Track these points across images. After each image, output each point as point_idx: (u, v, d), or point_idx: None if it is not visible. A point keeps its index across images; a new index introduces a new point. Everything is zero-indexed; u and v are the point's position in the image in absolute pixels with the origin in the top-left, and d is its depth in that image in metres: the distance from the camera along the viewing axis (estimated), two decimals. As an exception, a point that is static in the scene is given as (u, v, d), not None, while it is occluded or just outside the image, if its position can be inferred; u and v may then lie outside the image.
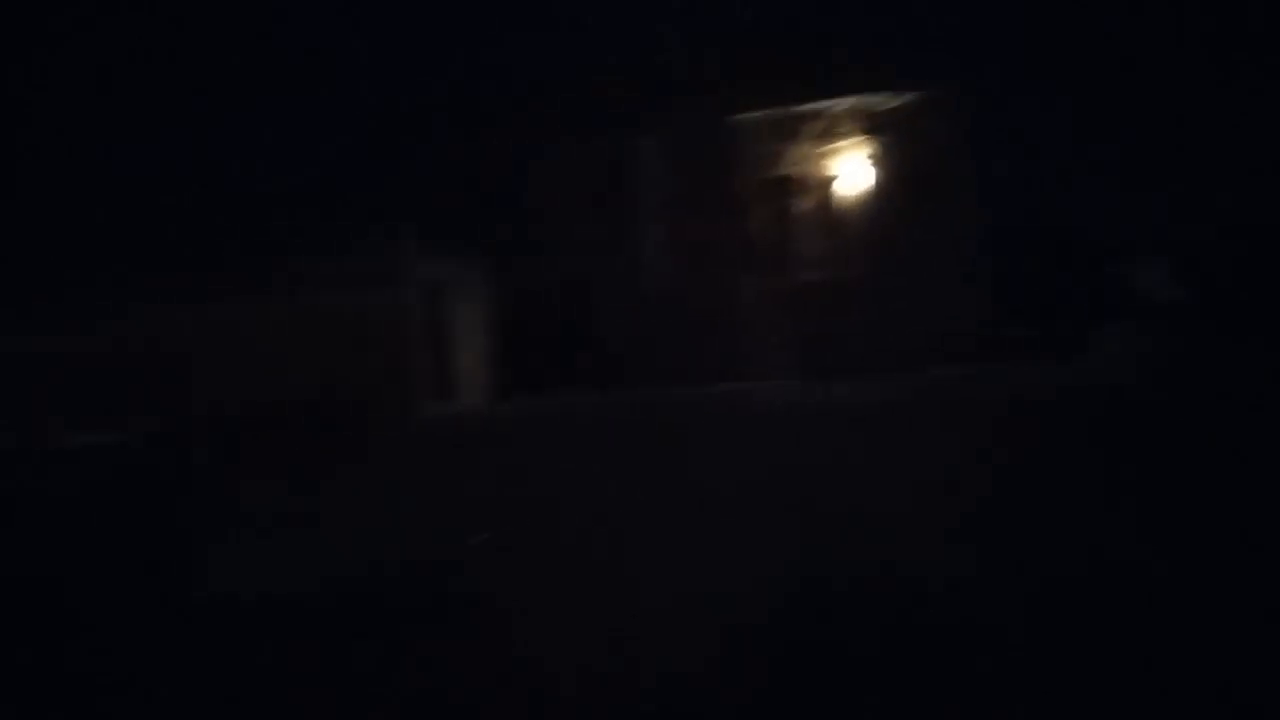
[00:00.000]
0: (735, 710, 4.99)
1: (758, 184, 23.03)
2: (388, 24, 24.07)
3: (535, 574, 7.93)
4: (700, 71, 22.70)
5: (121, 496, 9.09)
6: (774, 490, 10.28)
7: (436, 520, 10.45)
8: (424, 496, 11.93)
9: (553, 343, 22.65)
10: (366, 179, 21.27)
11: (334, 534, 10.00)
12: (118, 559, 7.97)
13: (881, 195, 22.54)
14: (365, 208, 20.03)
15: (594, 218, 23.24)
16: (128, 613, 7.35)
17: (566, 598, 7.15)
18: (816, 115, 22.61)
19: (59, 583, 7.61)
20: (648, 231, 23.33)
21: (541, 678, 5.68)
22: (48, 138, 21.04)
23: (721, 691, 5.21)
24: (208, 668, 6.26)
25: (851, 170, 22.71)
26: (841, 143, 22.64)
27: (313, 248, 18.42)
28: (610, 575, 7.70)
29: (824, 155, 22.75)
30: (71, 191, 19.90)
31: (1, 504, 9.01)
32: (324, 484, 13.04)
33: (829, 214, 22.81)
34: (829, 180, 22.80)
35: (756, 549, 8.00)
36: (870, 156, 22.58)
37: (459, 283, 20.96)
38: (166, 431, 13.31)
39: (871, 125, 22.52)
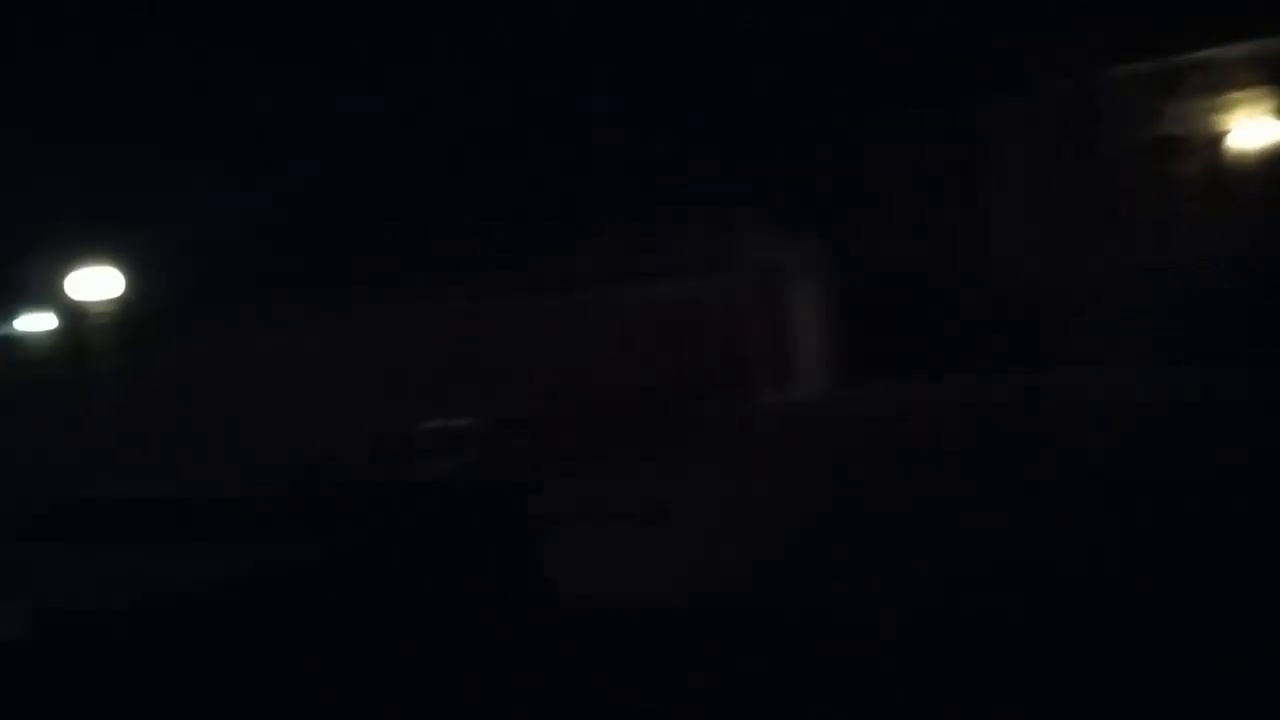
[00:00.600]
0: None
1: (1133, 149, 20.39)
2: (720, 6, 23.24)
3: (885, 578, 7.37)
4: (1064, 20, 20.32)
5: (464, 491, 9.00)
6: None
7: (775, 517, 9.90)
8: (762, 491, 11.40)
9: (896, 328, 21.20)
10: (697, 160, 20.72)
11: (673, 533, 9.73)
12: (468, 558, 7.75)
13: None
14: (697, 190, 19.51)
15: (943, 193, 21.49)
16: (478, 612, 7.16)
17: (923, 603, 6.58)
18: (1208, 65, 19.68)
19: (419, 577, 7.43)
20: (1003, 206, 21.31)
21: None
22: (394, 141, 21.96)
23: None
24: (552, 675, 6.00)
25: (1250, 129, 19.57)
26: (1239, 97, 19.56)
27: (645, 233, 18.17)
28: (979, 574, 7.18)
29: (1217, 112, 19.77)
30: (408, 190, 20.64)
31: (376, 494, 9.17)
32: (661, 478, 12.78)
33: (1220, 181, 19.83)
34: (1222, 142, 19.81)
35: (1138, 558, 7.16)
36: (1275, 112, 19.39)
37: (795, 266, 20.19)
38: (503, 423, 13.38)
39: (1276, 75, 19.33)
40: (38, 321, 20.24)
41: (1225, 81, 19.61)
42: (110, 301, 17.98)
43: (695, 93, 21.82)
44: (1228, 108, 19.65)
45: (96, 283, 17.82)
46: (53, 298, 19.26)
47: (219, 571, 7.12)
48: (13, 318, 20.14)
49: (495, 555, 8.07)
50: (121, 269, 17.94)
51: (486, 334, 18.00)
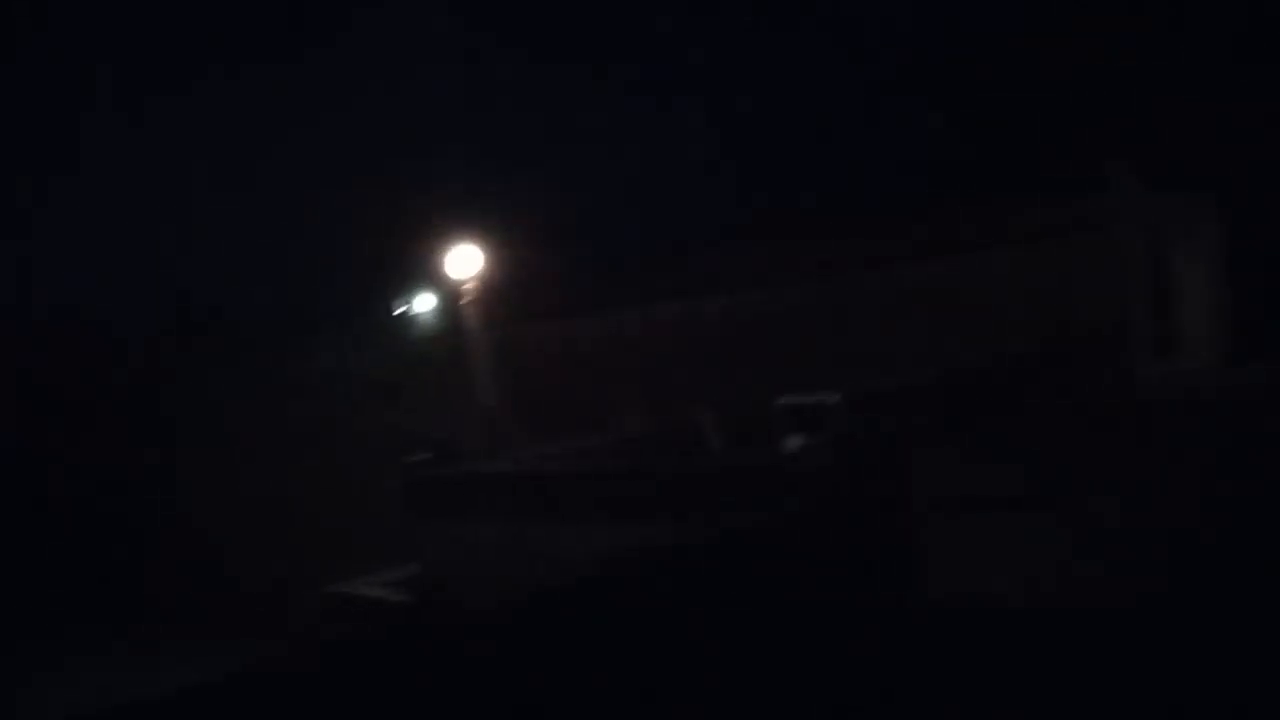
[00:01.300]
0: None
1: None
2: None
3: None
4: None
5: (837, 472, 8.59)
6: None
7: (1163, 503, 9.00)
8: (1146, 474, 10.21)
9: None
10: (1072, 115, 19.04)
11: (1056, 520, 8.87)
12: (840, 545, 7.32)
13: None
14: (1074, 142, 17.96)
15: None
16: (854, 603, 6.75)
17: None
18: None
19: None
20: None
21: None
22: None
23: None
24: (928, 675, 5.43)
25: None
26: None
27: (1017, 196, 16.93)
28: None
29: None
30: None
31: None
32: (1038, 459, 11.75)
33: None
34: None
35: None
36: None
37: (1186, 224, 18.19)
38: (867, 398, 12.81)
39: None
40: (422, 302, 21.77)
41: None
42: (481, 280, 18.96)
43: (1067, 47, 20.08)
44: None
45: (469, 263, 18.84)
46: (433, 279, 20.63)
47: (586, 546, 7.08)
48: (401, 299, 21.77)
49: (870, 543, 7.58)
50: (492, 250, 18.87)
51: (848, 306, 17.41)
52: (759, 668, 6.06)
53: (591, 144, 22.53)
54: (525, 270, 20.33)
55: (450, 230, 19.65)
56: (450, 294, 20.48)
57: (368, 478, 14.04)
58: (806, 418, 12.41)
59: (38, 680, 8.30)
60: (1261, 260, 19.12)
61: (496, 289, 19.93)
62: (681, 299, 18.93)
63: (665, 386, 17.66)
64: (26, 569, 10.25)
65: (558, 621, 5.86)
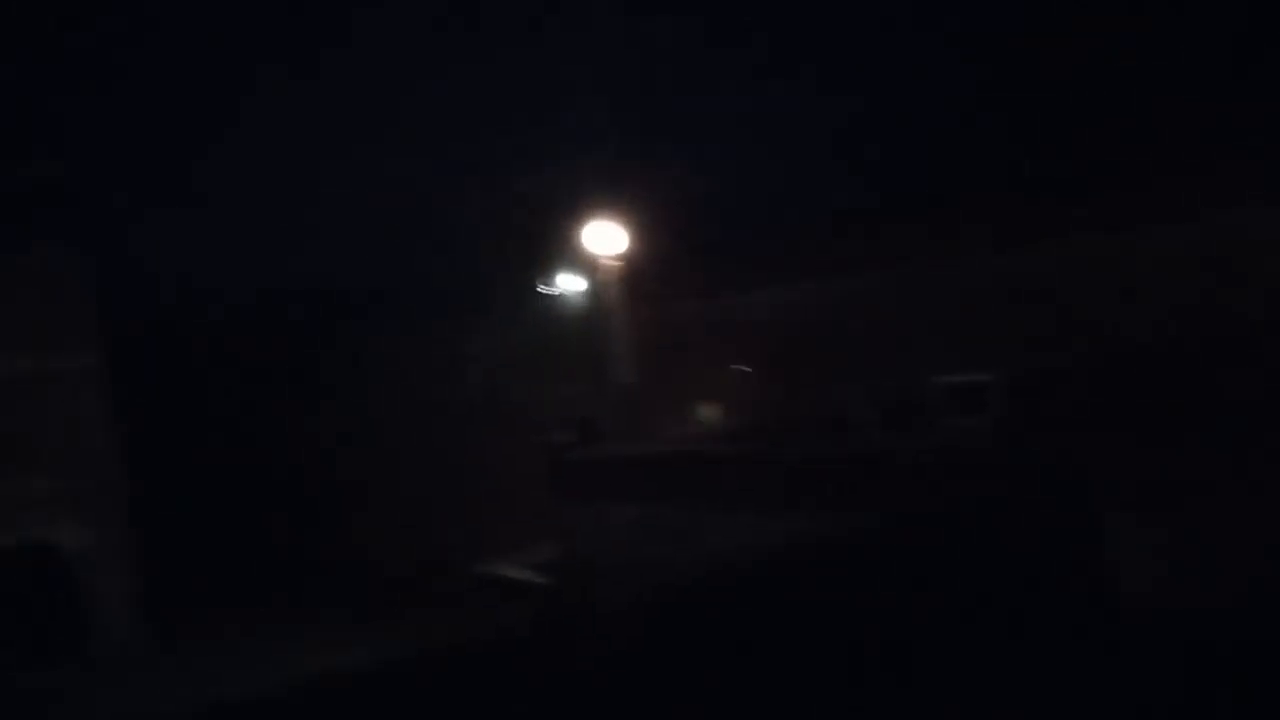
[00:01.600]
0: None
1: None
2: None
3: None
4: None
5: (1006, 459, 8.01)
6: None
7: None
8: None
9: None
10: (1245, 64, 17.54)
11: (1244, 520, 8.07)
12: (1008, 540, 6.77)
13: None
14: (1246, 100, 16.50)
15: None
16: (1024, 607, 6.20)
17: None
18: None
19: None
20: None
21: None
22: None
23: None
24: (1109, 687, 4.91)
25: None
26: None
27: (1186, 159, 15.59)
28: None
29: None
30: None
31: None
32: (1212, 448, 10.81)
33: None
34: None
35: None
36: None
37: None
38: (1030, 378, 12.08)
39: None
40: (566, 281, 21.72)
41: None
42: (624, 259, 18.79)
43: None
44: None
45: (613, 242, 18.67)
46: (578, 258, 20.55)
47: (733, 533, 6.80)
48: (546, 278, 21.78)
49: (1041, 539, 6.97)
50: (636, 229, 18.65)
51: (1009, 278, 16.46)
52: (921, 668, 5.63)
53: (735, 122, 22.08)
54: (668, 249, 20.05)
55: (596, 209, 19.52)
56: (594, 273, 20.39)
57: (513, 458, 13.97)
58: (965, 398, 11.75)
59: (184, 670, 8.43)
60: None
61: (639, 268, 19.70)
62: (826, 277, 18.35)
63: (812, 366, 17.12)
64: (170, 550, 10.47)
65: (710, 612, 5.55)
